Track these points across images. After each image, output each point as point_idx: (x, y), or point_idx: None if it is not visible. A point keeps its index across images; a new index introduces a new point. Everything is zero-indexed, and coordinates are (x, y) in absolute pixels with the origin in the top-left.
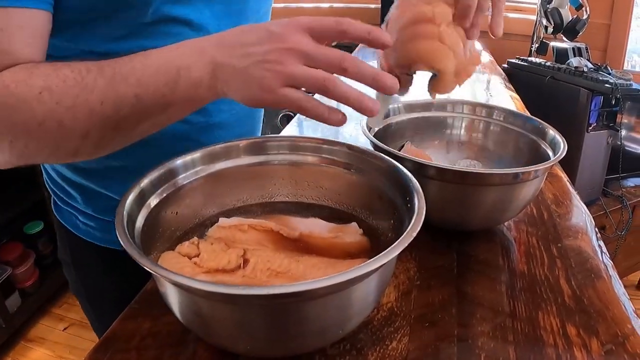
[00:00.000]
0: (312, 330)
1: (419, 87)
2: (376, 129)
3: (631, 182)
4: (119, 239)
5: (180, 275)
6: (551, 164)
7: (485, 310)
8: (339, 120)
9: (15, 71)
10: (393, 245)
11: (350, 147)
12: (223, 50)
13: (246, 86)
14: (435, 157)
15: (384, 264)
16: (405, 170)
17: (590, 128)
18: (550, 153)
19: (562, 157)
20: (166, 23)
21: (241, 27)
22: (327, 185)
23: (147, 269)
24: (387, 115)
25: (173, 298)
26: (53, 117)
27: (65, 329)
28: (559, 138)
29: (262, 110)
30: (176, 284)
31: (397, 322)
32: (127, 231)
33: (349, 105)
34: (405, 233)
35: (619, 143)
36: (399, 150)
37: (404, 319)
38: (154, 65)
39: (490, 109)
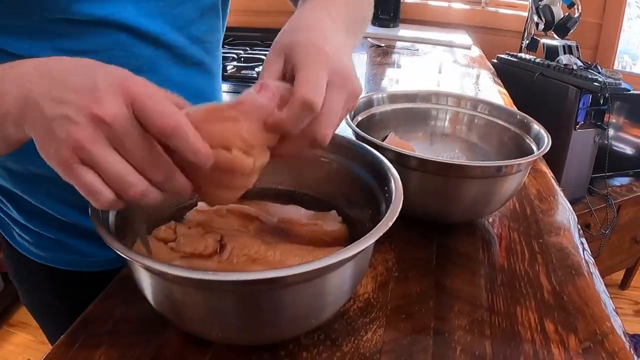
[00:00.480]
0: (285, 318)
1: (406, 77)
2: (360, 119)
3: (617, 181)
4: (93, 223)
5: (151, 259)
6: (534, 158)
7: (463, 303)
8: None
9: None
10: (368, 234)
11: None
12: (42, 84)
13: (45, 143)
14: (419, 148)
15: (359, 252)
16: (385, 160)
17: (578, 126)
18: (535, 148)
19: (545, 151)
20: (83, 22)
21: (81, 60)
22: (307, 174)
23: (120, 254)
24: (370, 105)
25: (146, 284)
26: None
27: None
28: (543, 133)
29: (220, 96)
30: (148, 269)
31: (373, 313)
32: (100, 215)
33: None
34: (381, 222)
35: (606, 142)
36: (382, 141)
37: (380, 310)
38: None
39: (475, 102)
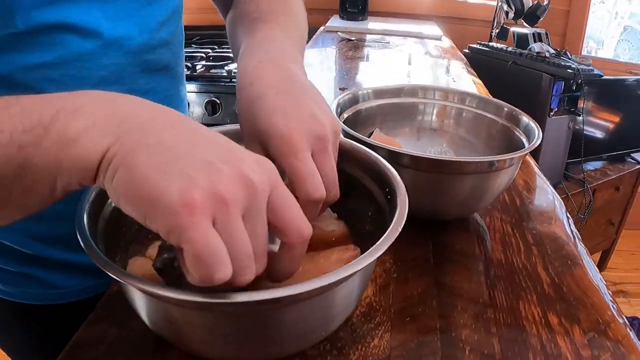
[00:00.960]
0: (292, 334)
1: (380, 71)
2: (346, 116)
3: (590, 165)
4: (82, 245)
5: (149, 283)
6: (527, 151)
7: (466, 301)
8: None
9: None
10: (379, 242)
11: None
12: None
13: (164, 177)
14: (405, 144)
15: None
16: (383, 161)
17: (552, 113)
18: (524, 139)
19: (537, 144)
20: (45, 31)
21: (196, 131)
22: None
23: (116, 279)
24: (356, 102)
25: (141, 305)
26: None
27: None
28: (532, 125)
29: (185, 99)
30: (146, 292)
31: (377, 318)
32: (89, 235)
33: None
34: (390, 227)
35: (579, 127)
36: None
37: (384, 314)
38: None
39: (462, 95)
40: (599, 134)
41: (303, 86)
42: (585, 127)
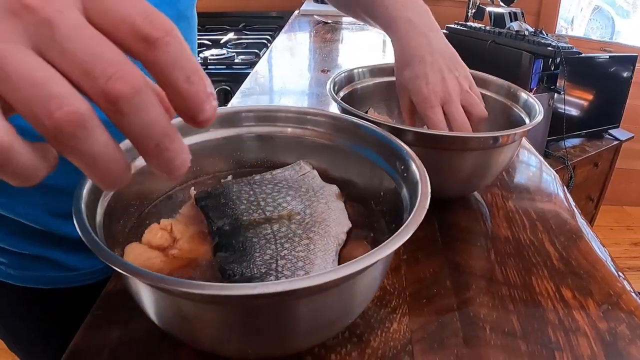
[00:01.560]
0: (315, 326)
1: (358, 52)
2: (342, 95)
3: (569, 142)
4: (83, 239)
5: (158, 276)
6: (531, 126)
7: (479, 279)
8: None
9: None
10: (404, 227)
11: (333, 117)
12: None
13: None
14: (402, 122)
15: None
16: (397, 140)
17: (532, 91)
18: (524, 116)
19: (540, 119)
20: None
21: None
22: (309, 158)
23: (124, 274)
24: (352, 80)
25: (149, 302)
26: None
27: None
28: (532, 100)
29: None
30: (155, 286)
31: (392, 302)
32: (90, 229)
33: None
34: (415, 208)
35: (563, 105)
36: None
37: (399, 297)
38: None
39: None
40: (575, 112)
41: (438, 52)
42: (560, 105)
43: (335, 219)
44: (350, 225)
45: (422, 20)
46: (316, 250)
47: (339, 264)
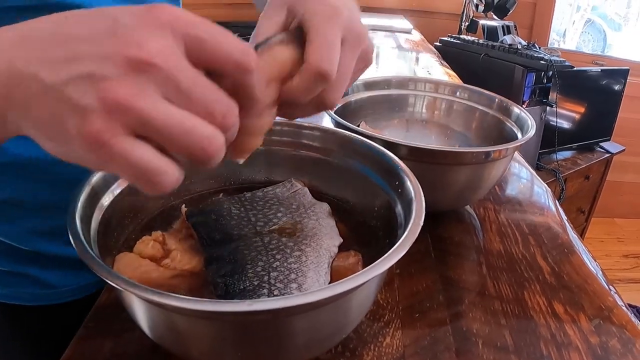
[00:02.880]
0: (308, 341)
1: (380, 64)
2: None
3: (560, 155)
4: (79, 254)
5: (154, 291)
6: (523, 141)
7: (472, 294)
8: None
9: None
10: (400, 243)
11: (328, 131)
12: (29, 49)
13: (55, 128)
14: (395, 136)
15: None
16: (392, 155)
17: (525, 104)
18: (516, 130)
19: (532, 134)
20: (53, 9)
21: (74, 12)
22: (302, 173)
23: (117, 287)
24: (346, 94)
25: (142, 315)
26: None
27: None
28: (525, 115)
29: None
30: (150, 301)
31: (386, 316)
32: (85, 243)
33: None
34: (410, 225)
35: (555, 118)
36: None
37: (392, 311)
38: None
39: (452, 86)
40: (567, 125)
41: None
42: (552, 118)
43: (327, 233)
44: (342, 240)
45: None
46: (308, 262)
47: (331, 275)
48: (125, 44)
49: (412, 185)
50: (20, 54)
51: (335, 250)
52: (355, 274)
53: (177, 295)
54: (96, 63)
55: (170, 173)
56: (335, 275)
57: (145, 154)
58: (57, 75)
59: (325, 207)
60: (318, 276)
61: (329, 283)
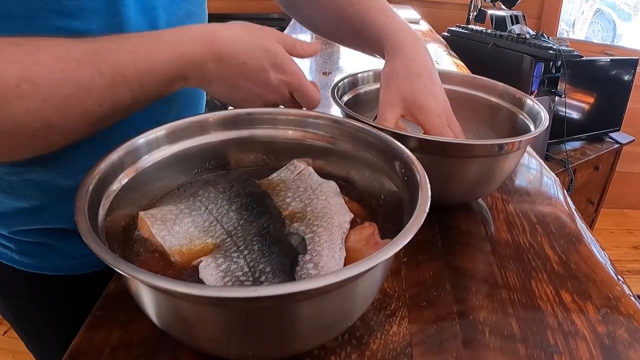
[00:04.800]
0: (316, 328)
1: (361, 55)
2: (345, 99)
3: (569, 145)
4: (84, 239)
5: (158, 277)
6: (536, 134)
7: (479, 283)
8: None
9: None
10: (405, 229)
11: (334, 120)
12: (221, 68)
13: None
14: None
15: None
16: (399, 144)
17: (533, 94)
18: (529, 123)
19: (546, 126)
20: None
21: (240, 35)
22: (310, 160)
23: (125, 275)
24: (356, 85)
25: (150, 303)
26: (37, 116)
27: (5, 332)
28: (538, 107)
29: None
30: (155, 288)
31: (392, 305)
32: (91, 230)
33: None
34: (416, 211)
35: (564, 108)
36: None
37: (399, 300)
38: (158, 72)
39: (464, 78)
40: (576, 115)
41: (435, 72)
42: (561, 108)
43: (337, 211)
44: (352, 215)
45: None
46: (321, 241)
47: (348, 250)
48: (280, 71)
49: (419, 172)
50: (217, 69)
51: (347, 225)
52: (362, 259)
53: (182, 281)
54: (262, 87)
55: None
56: (354, 250)
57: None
58: (236, 88)
59: (332, 185)
60: (333, 253)
61: (345, 259)
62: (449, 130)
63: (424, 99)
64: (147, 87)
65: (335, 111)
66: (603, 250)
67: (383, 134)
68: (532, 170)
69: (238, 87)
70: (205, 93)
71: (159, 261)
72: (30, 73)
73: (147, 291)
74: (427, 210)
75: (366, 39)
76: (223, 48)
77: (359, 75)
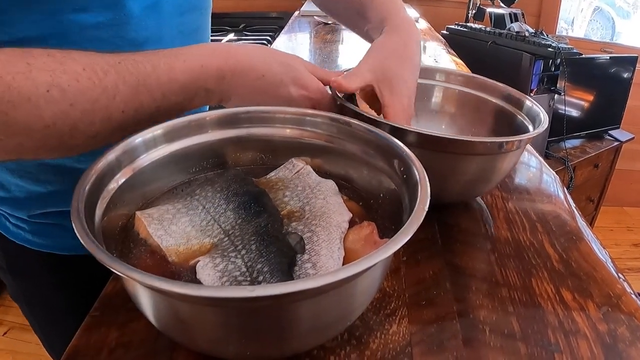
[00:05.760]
0: (314, 327)
1: (359, 53)
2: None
3: (569, 143)
4: (83, 243)
5: (154, 277)
6: (535, 134)
7: (479, 281)
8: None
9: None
10: (404, 227)
11: (332, 118)
12: (239, 81)
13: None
14: None
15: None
16: (398, 142)
17: (533, 92)
18: (528, 123)
19: (545, 127)
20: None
21: (258, 51)
22: (308, 159)
23: (122, 275)
24: None
25: (147, 304)
26: (66, 120)
27: (5, 333)
28: (537, 108)
29: None
30: (153, 288)
31: (392, 304)
32: (87, 230)
33: None
34: (415, 209)
35: (563, 106)
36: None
37: (399, 299)
38: (179, 81)
39: (463, 77)
40: (576, 113)
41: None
42: (560, 106)
43: (336, 210)
44: (351, 215)
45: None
46: (320, 241)
47: (347, 249)
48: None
49: (418, 170)
50: (236, 87)
51: (346, 225)
52: (360, 258)
53: (178, 281)
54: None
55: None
56: (352, 250)
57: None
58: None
59: (330, 184)
60: (331, 252)
61: (344, 258)
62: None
63: (396, 83)
64: (168, 97)
65: None
66: (604, 248)
67: (381, 132)
68: (532, 168)
69: (257, 103)
70: None
71: (156, 261)
72: (59, 80)
73: (144, 292)
74: (426, 208)
75: (370, 20)
76: (240, 61)
77: None
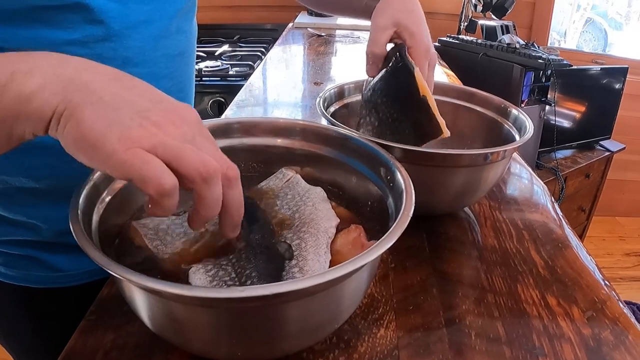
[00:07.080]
0: (303, 329)
1: (352, 65)
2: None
3: (560, 154)
4: (80, 245)
5: (149, 278)
6: (520, 143)
7: (466, 287)
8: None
9: None
10: (390, 232)
11: (322, 128)
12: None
13: (106, 121)
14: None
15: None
16: (384, 151)
17: (524, 103)
18: (514, 132)
19: (530, 135)
20: (73, 9)
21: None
22: (298, 168)
23: (116, 276)
24: (342, 96)
25: (141, 304)
26: None
27: None
28: (522, 117)
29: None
30: (146, 289)
31: (380, 309)
32: (85, 234)
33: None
34: (400, 214)
35: (554, 117)
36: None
37: (387, 304)
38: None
39: (449, 88)
40: (567, 123)
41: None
42: (550, 117)
43: (323, 216)
44: (339, 220)
45: None
46: (307, 247)
47: (334, 253)
48: (170, 108)
49: (403, 177)
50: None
51: (333, 230)
52: (347, 261)
53: (171, 282)
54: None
55: (168, 175)
56: (340, 252)
57: (153, 158)
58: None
59: (319, 191)
60: (318, 257)
61: (330, 261)
62: (426, 69)
63: (416, 27)
64: None
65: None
66: (590, 255)
67: (369, 142)
68: (519, 178)
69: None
70: (193, 99)
71: (150, 269)
72: None
73: (139, 293)
74: (410, 214)
75: None
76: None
77: (346, 86)
